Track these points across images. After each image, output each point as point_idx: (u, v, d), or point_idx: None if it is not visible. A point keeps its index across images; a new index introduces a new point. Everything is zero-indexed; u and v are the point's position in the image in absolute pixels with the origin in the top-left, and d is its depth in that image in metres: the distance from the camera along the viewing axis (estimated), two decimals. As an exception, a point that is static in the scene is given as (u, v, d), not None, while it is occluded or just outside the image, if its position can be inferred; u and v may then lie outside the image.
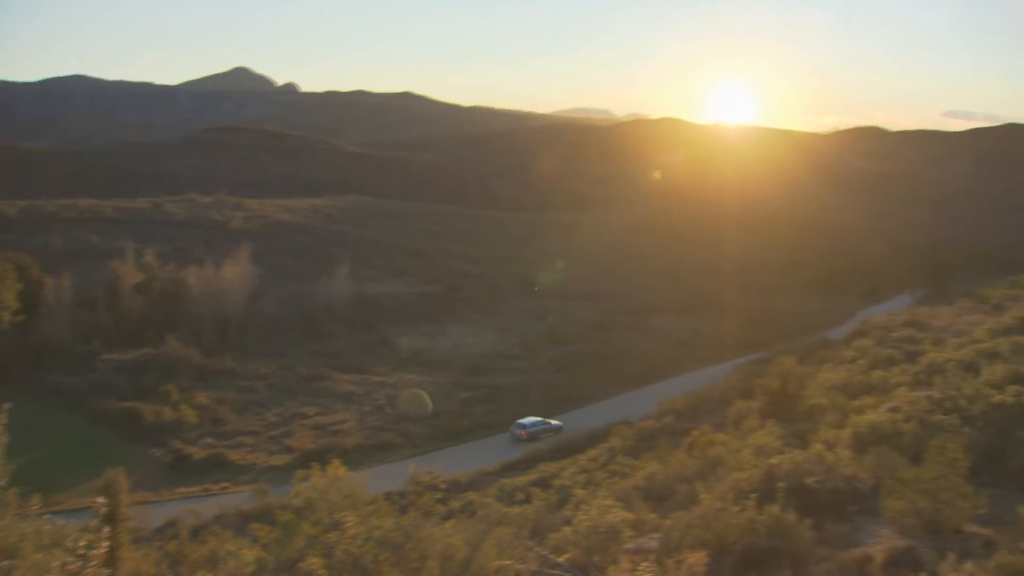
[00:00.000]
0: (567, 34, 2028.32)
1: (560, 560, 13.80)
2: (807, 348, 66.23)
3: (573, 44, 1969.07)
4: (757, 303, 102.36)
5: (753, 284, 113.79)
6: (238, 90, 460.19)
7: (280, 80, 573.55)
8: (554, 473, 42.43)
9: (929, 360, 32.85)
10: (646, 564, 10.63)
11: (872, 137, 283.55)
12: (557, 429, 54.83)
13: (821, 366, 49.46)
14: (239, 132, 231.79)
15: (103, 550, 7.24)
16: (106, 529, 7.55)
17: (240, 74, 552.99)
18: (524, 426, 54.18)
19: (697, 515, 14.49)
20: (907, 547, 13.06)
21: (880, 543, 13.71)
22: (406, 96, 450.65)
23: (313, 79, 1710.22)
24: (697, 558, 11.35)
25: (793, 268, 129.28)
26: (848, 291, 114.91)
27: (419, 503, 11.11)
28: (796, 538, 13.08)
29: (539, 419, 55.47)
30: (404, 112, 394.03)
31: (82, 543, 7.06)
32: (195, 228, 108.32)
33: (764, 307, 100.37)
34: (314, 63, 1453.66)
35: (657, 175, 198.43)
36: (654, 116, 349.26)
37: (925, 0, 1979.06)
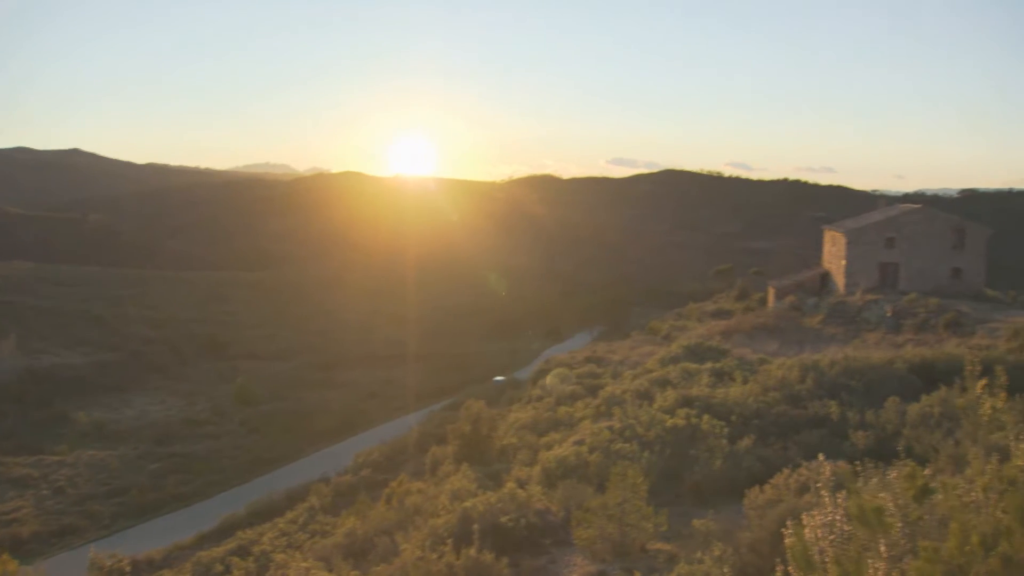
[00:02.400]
0: (243, 89, 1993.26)
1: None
2: (496, 390, 68.04)
3: (250, 99, 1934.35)
4: (447, 349, 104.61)
5: (442, 331, 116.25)
6: None
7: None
8: (253, 539, 40.68)
9: (609, 392, 34.45)
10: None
11: (546, 184, 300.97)
12: None
13: (510, 406, 50.66)
14: None
15: None
16: None
17: None
18: None
19: (398, 566, 14.34)
20: (599, 572, 13.58)
21: (574, 571, 14.16)
22: (74, 153, 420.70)
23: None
24: (399, 610, 11.22)
25: (479, 313, 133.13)
26: (532, 332, 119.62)
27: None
28: (495, 577, 13.25)
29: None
30: (73, 170, 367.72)
31: None
32: None
33: (453, 353, 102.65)
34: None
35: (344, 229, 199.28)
36: (335, 170, 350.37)
37: (584, 56, 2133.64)
